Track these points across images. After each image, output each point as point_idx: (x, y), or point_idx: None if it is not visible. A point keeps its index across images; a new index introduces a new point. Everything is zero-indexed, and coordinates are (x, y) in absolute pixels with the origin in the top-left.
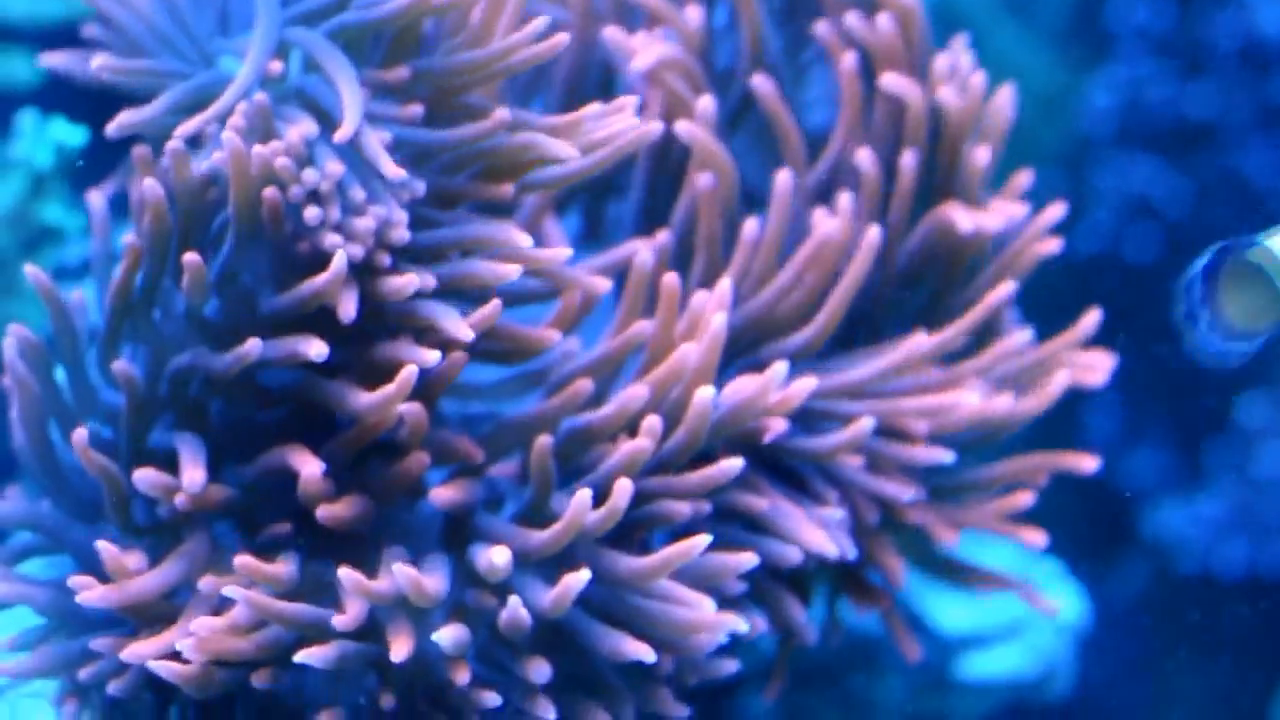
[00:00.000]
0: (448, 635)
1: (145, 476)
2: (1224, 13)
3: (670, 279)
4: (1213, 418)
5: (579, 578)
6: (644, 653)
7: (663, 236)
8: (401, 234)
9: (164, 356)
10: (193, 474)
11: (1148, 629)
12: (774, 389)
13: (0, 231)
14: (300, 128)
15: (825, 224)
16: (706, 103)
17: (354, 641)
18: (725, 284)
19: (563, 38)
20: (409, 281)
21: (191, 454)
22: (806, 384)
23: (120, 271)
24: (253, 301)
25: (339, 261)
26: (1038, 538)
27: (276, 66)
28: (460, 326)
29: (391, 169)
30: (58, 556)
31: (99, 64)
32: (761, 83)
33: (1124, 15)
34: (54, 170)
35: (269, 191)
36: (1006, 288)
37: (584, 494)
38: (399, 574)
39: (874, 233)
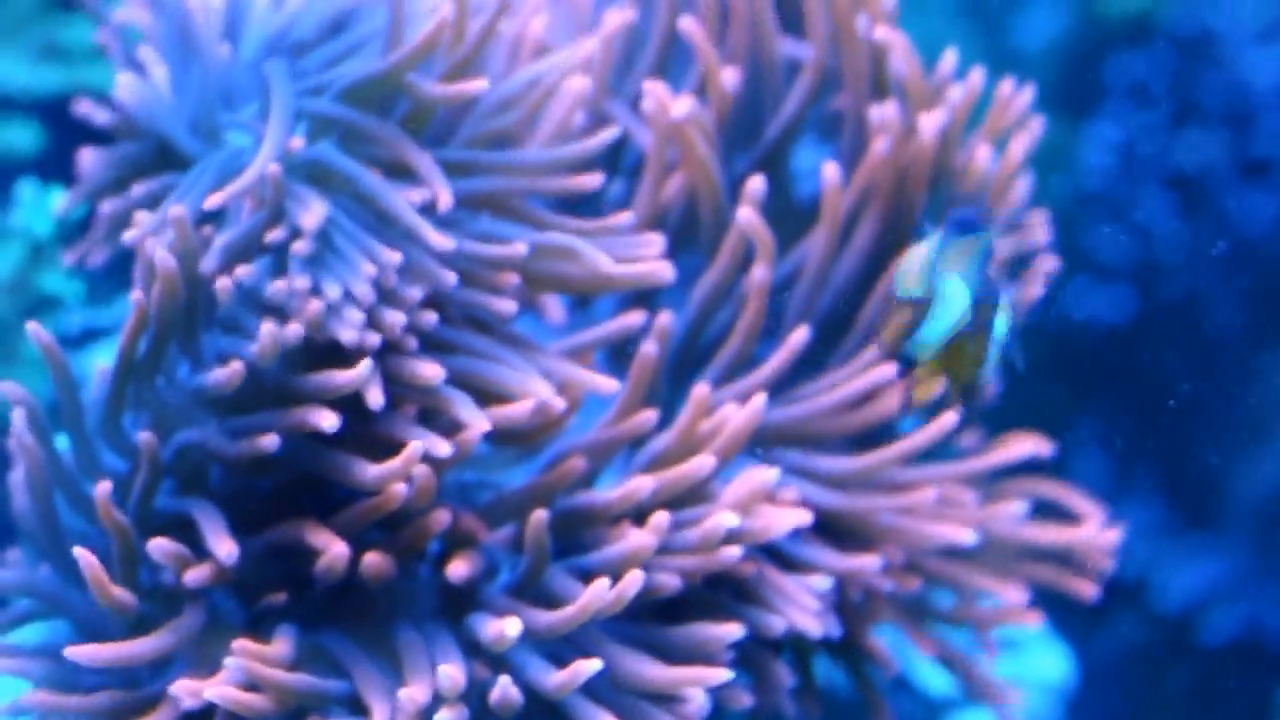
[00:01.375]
0: (447, 718)
1: (160, 546)
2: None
3: (702, 390)
4: (1205, 476)
5: (590, 665)
6: None
7: (665, 319)
8: (431, 319)
9: (167, 424)
10: (223, 545)
11: (1136, 686)
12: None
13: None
14: (314, 213)
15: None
16: (757, 184)
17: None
18: (760, 400)
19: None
20: (436, 374)
21: (214, 525)
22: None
23: (125, 336)
24: (259, 375)
25: (365, 365)
26: (1034, 620)
27: (297, 142)
28: (478, 417)
29: (436, 238)
30: (55, 621)
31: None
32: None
33: (1118, 73)
34: (53, 239)
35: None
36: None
37: (601, 583)
38: (444, 678)
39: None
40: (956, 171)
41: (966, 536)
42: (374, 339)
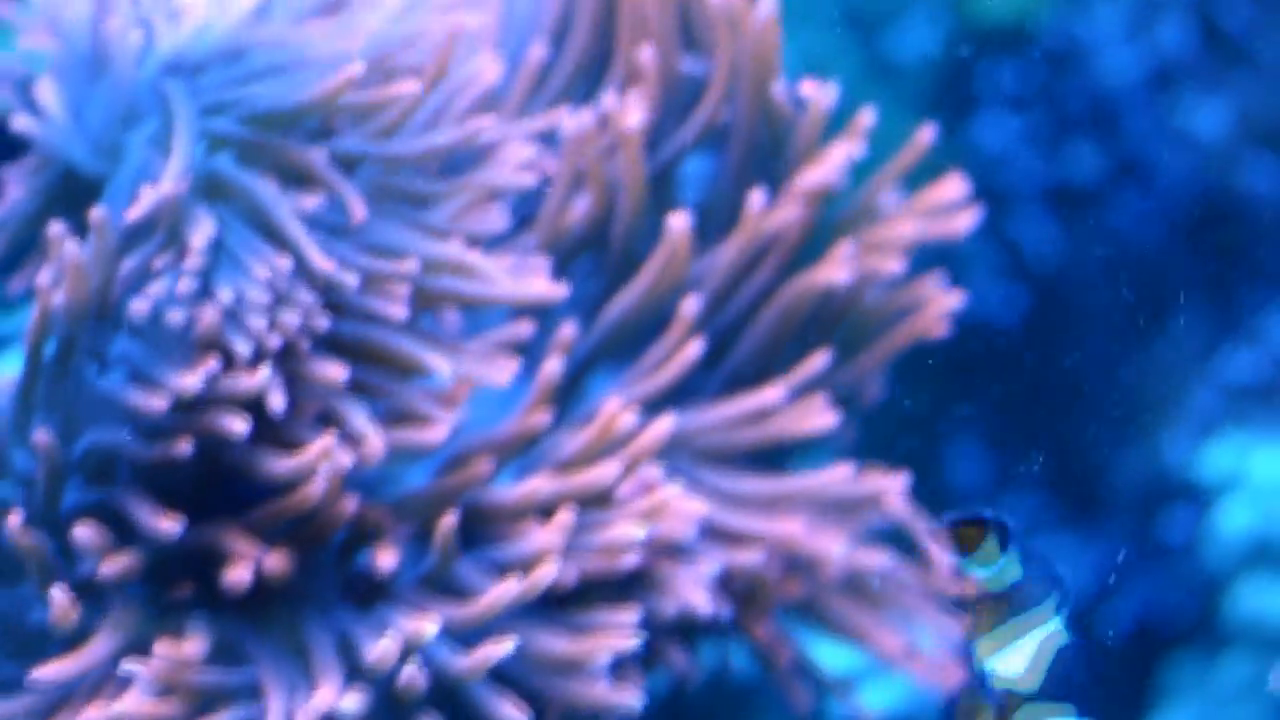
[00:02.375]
0: (351, 703)
1: (85, 533)
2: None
3: (613, 404)
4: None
5: (501, 648)
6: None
7: (567, 330)
8: (323, 322)
9: (75, 423)
10: (164, 521)
11: None
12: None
13: None
14: (202, 231)
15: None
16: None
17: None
18: (667, 423)
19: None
20: (337, 375)
21: (144, 506)
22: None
23: (31, 330)
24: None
25: (265, 372)
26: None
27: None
28: (373, 436)
29: (321, 263)
30: None
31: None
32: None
33: (990, 80)
34: None
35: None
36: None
37: (510, 579)
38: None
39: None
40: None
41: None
42: (274, 341)
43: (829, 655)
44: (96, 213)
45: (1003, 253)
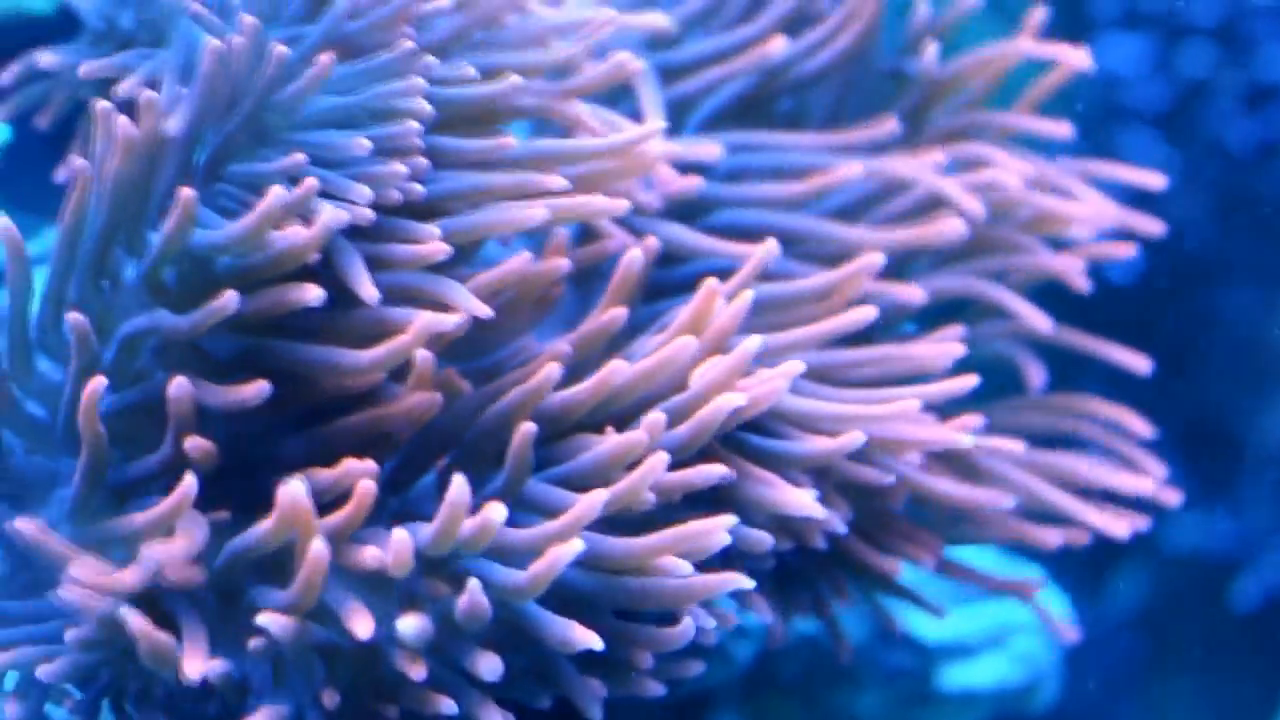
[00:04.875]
0: (410, 625)
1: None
2: None
3: (713, 282)
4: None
5: (568, 549)
6: (592, 641)
7: (651, 243)
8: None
9: (110, 324)
10: (242, 392)
11: (1139, 639)
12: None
13: None
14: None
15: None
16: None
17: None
18: (748, 295)
19: None
20: (436, 249)
21: (210, 391)
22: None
23: (68, 213)
24: (210, 268)
25: (330, 216)
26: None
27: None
28: (472, 300)
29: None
30: None
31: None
32: None
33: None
34: None
35: None
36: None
37: (591, 496)
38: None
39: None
40: None
41: (965, 440)
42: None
43: (935, 629)
44: (147, 95)
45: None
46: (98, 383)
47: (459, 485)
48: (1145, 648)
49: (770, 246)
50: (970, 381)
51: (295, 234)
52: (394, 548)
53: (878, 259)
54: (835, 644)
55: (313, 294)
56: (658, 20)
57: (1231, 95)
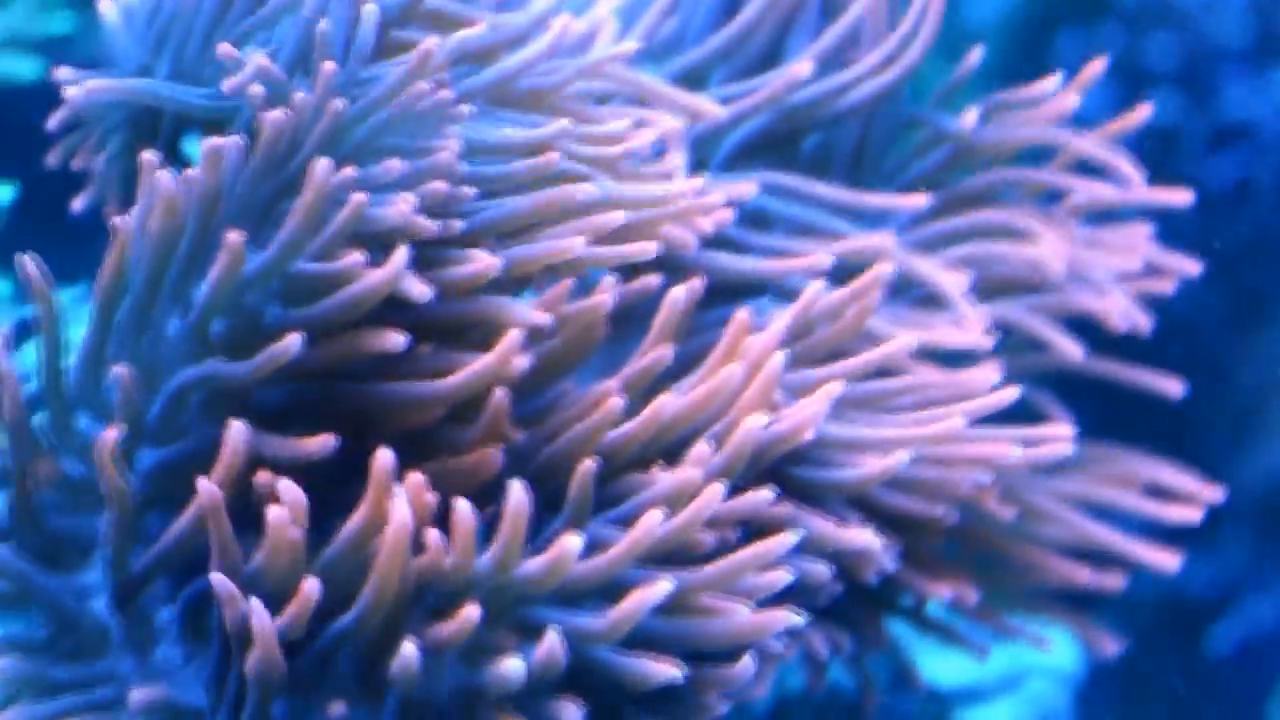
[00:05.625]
0: (514, 668)
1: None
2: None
3: (744, 313)
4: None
5: (653, 591)
6: (671, 672)
7: (695, 284)
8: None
9: (155, 379)
10: (316, 444)
11: (1142, 682)
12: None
13: None
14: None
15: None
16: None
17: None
18: (782, 321)
19: None
20: (489, 264)
21: (278, 440)
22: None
23: (107, 267)
24: (258, 320)
25: (402, 253)
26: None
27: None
28: (536, 314)
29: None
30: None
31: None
32: None
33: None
34: None
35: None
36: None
37: (655, 512)
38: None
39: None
40: None
41: (1009, 453)
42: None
43: (949, 673)
44: (211, 143)
45: None
46: (111, 432)
47: (516, 496)
48: (1144, 687)
49: (817, 286)
50: (1012, 394)
51: (367, 278)
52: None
53: (888, 268)
54: (864, 691)
55: (394, 340)
56: (708, 107)
57: (1198, 139)
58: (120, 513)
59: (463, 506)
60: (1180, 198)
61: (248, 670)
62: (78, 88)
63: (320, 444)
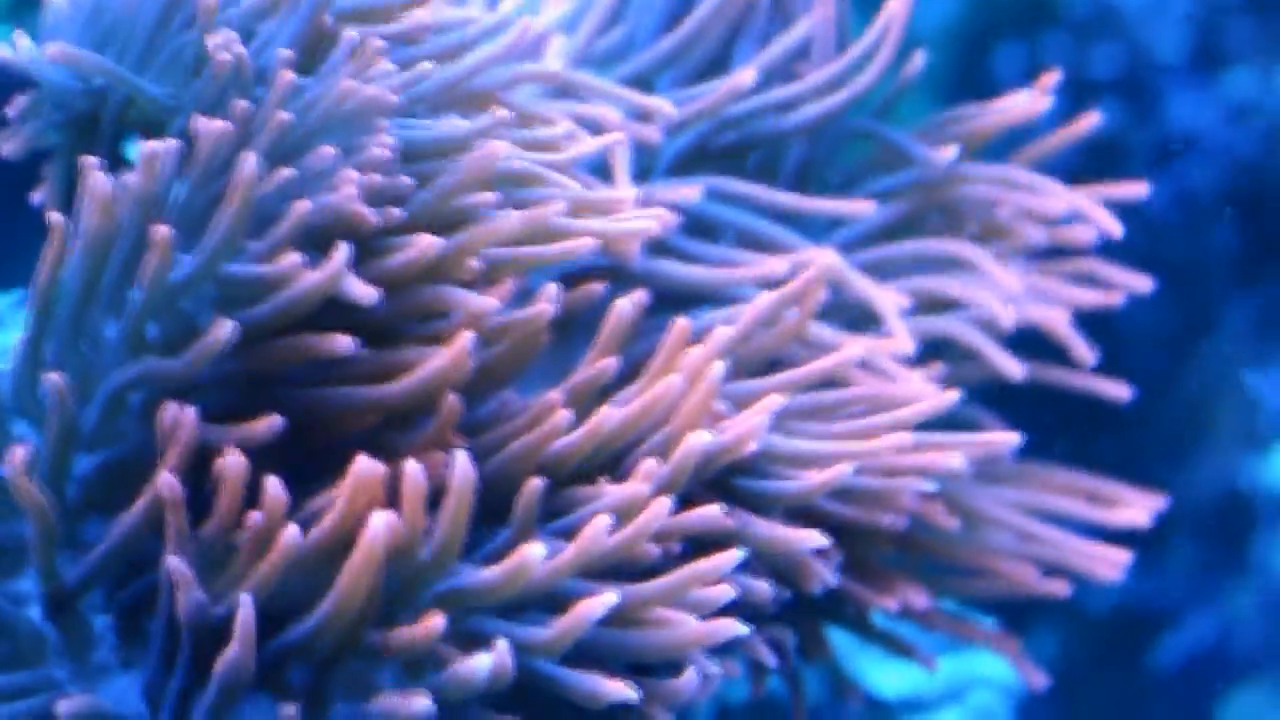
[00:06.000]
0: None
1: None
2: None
3: (684, 322)
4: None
5: (599, 602)
6: (625, 692)
7: (639, 295)
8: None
9: (91, 386)
10: (263, 426)
11: (1076, 694)
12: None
13: None
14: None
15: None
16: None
17: None
18: (722, 332)
19: None
20: (430, 244)
21: (222, 431)
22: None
23: (43, 270)
24: (194, 324)
25: (342, 252)
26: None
27: None
28: (484, 299)
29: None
30: None
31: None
32: None
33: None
34: None
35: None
36: None
37: (602, 519)
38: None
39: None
40: None
41: (953, 461)
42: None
43: (892, 684)
44: (150, 147)
45: None
46: (21, 450)
47: (463, 473)
48: (1079, 698)
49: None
50: (953, 397)
51: (305, 280)
52: None
53: (828, 269)
54: (795, 702)
55: (343, 344)
56: (660, 105)
57: (1142, 152)
58: (43, 526)
59: (412, 468)
60: (1135, 190)
61: (219, 667)
62: (34, 52)
63: (267, 425)
